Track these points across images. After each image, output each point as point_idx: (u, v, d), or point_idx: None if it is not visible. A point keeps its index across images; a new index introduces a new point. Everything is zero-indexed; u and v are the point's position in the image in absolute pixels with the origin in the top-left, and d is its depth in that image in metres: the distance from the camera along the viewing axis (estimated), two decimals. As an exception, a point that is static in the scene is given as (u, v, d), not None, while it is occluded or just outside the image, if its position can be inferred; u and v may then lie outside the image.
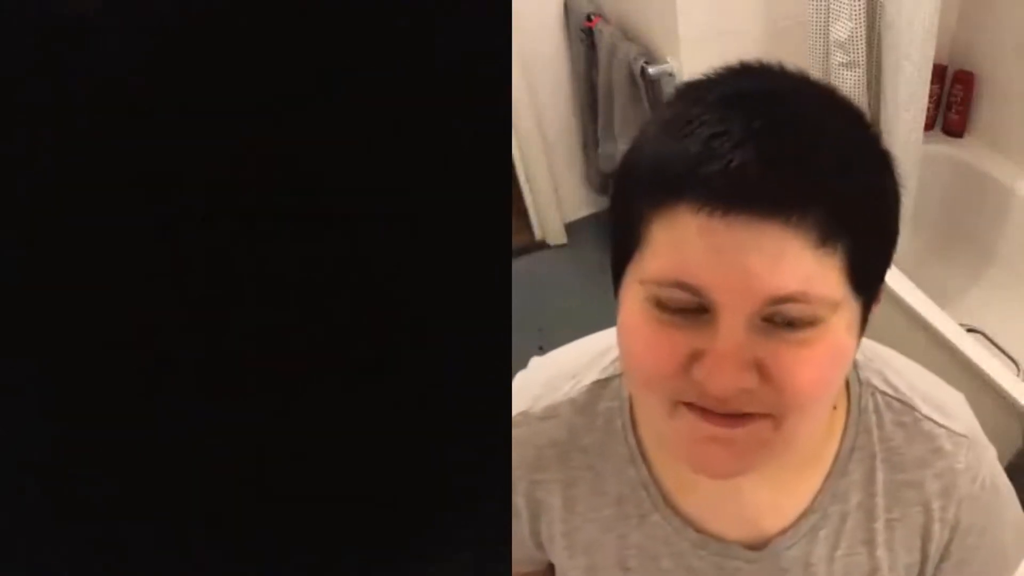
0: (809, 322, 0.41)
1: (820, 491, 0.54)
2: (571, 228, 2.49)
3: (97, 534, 0.52)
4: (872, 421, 0.55)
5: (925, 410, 0.55)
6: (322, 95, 0.50)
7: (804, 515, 0.55)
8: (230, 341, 0.52)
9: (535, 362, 0.64)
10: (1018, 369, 1.62)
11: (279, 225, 0.51)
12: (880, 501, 0.54)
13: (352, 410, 0.53)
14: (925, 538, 0.55)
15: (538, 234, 2.47)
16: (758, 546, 0.55)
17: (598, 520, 0.58)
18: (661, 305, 0.42)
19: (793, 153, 0.38)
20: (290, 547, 0.54)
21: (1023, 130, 1.77)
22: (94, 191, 0.49)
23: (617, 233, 0.47)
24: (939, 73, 1.85)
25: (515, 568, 0.69)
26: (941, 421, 0.55)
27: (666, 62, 1.76)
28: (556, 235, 2.46)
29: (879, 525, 0.55)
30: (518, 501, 0.60)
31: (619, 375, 0.58)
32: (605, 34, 1.90)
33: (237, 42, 0.49)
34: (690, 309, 0.41)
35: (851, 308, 0.43)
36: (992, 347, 1.62)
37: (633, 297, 0.44)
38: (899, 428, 0.54)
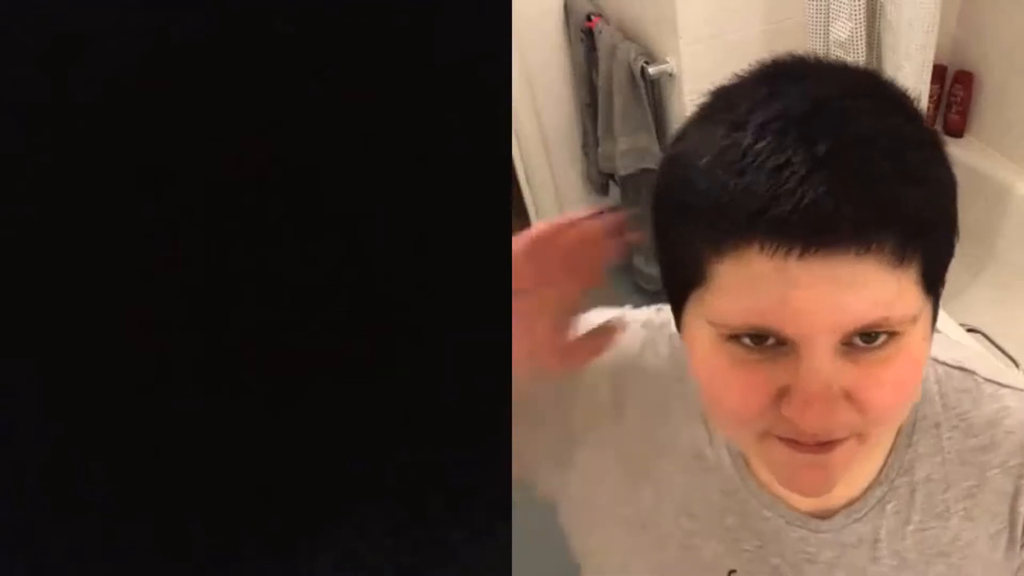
0: (889, 341, 0.40)
1: (886, 463, 0.54)
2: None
3: (96, 532, 0.52)
4: (934, 391, 0.54)
5: (985, 374, 0.55)
6: (322, 95, 0.50)
7: (871, 487, 0.54)
8: (229, 341, 0.52)
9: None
10: (1018, 369, 1.62)
11: (279, 225, 0.51)
12: (952, 470, 0.53)
13: (351, 410, 0.53)
14: (1015, 498, 0.53)
15: (538, 234, 2.46)
16: (825, 516, 0.55)
17: (675, 456, 0.57)
18: (737, 341, 0.41)
19: (862, 181, 0.37)
20: (288, 546, 0.54)
21: (1023, 130, 1.77)
22: (94, 191, 0.49)
23: (672, 265, 0.45)
24: (939, 73, 1.85)
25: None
26: (1002, 381, 0.55)
27: (666, 62, 1.75)
28: (556, 235, 2.45)
29: (953, 495, 0.53)
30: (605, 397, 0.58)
31: None
32: (605, 34, 1.90)
33: (237, 42, 0.49)
34: (770, 342, 0.41)
35: (926, 314, 0.42)
36: (992, 347, 1.62)
37: (704, 336, 0.43)
38: (963, 394, 0.54)
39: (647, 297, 2.17)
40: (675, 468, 0.57)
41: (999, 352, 1.62)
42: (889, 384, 0.41)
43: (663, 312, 0.59)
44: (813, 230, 0.37)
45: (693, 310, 0.44)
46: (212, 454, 0.52)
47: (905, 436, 0.54)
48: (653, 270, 2.10)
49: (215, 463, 0.52)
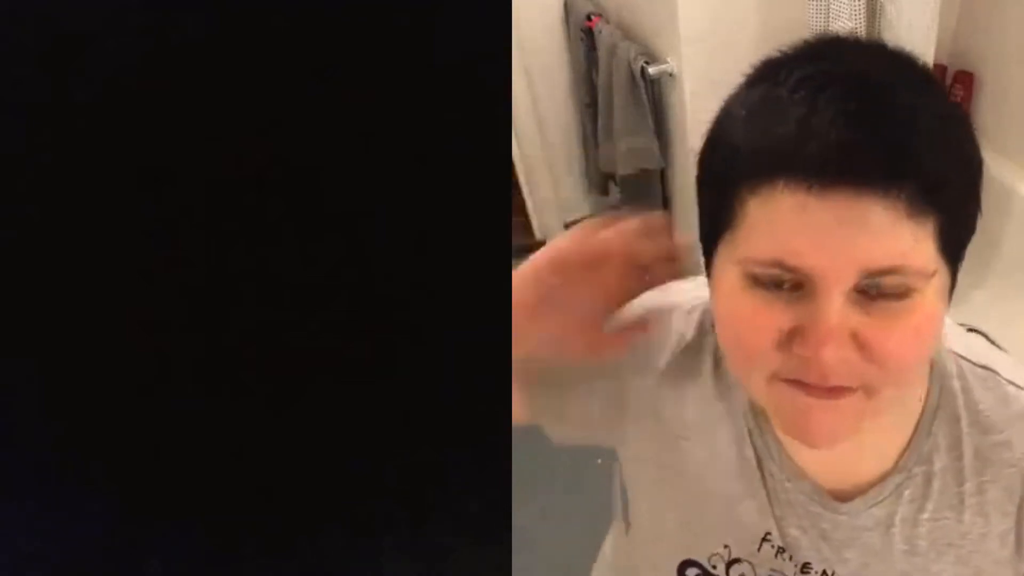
0: (904, 293, 0.42)
1: (905, 451, 0.55)
2: (571, 228, 2.49)
3: (96, 532, 0.52)
4: (956, 385, 0.56)
5: (1007, 375, 0.56)
6: (322, 95, 0.50)
7: (889, 473, 0.55)
8: (229, 341, 0.52)
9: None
10: (1018, 369, 1.61)
11: (279, 225, 0.51)
12: (968, 464, 0.55)
13: (351, 410, 0.53)
14: None
15: (538, 234, 2.47)
16: (843, 498, 0.56)
17: (727, 424, 0.59)
18: (757, 282, 0.44)
19: (888, 128, 0.40)
20: (288, 546, 0.54)
21: (1023, 130, 1.77)
22: (94, 191, 0.49)
23: (707, 212, 0.48)
24: (939, 73, 1.85)
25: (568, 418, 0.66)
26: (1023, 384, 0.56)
27: (666, 62, 1.75)
28: (556, 235, 2.46)
29: (968, 488, 0.55)
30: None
31: None
32: (605, 34, 1.90)
33: (237, 42, 0.49)
34: (786, 285, 0.43)
35: (942, 275, 0.44)
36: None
37: (728, 277, 0.46)
38: (985, 392, 0.55)
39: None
40: (726, 434, 0.59)
41: (999, 352, 1.62)
42: (900, 335, 0.43)
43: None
44: (835, 167, 0.39)
45: (722, 254, 0.46)
46: (212, 454, 0.52)
47: (925, 425, 0.55)
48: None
49: (215, 463, 0.52)
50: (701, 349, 0.60)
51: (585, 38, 2.03)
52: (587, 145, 2.31)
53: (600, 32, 1.93)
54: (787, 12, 1.65)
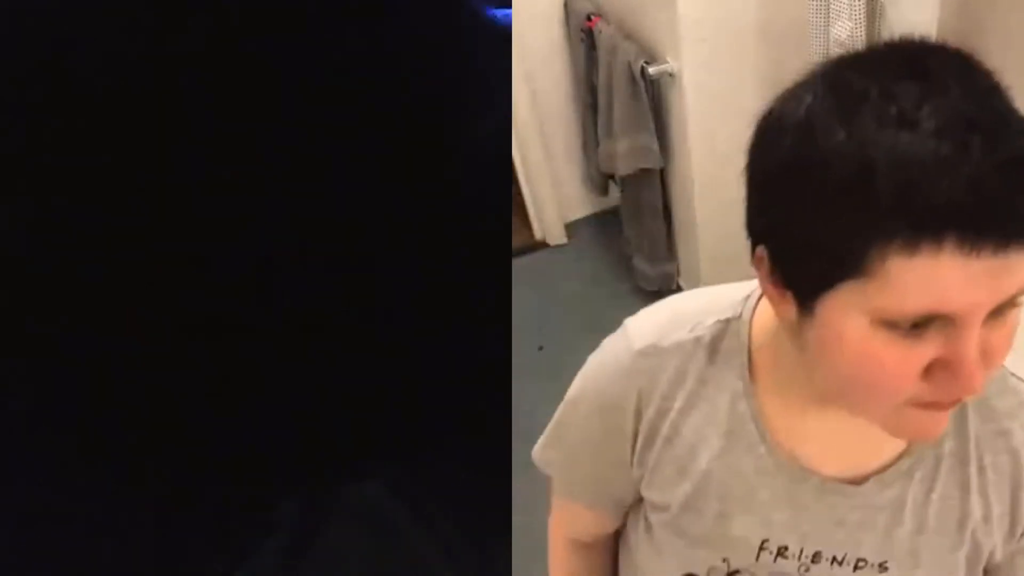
0: (1016, 304, 0.45)
1: None
2: (571, 228, 2.50)
3: (96, 532, 0.52)
4: None
5: (1011, 368, 0.59)
6: (321, 95, 0.50)
7: (901, 456, 0.58)
8: (229, 341, 0.52)
9: (657, 305, 0.67)
10: (1018, 369, 1.62)
11: (279, 225, 0.51)
12: (973, 447, 0.58)
13: (351, 411, 0.53)
14: (1015, 488, 0.59)
15: (538, 234, 2.47)
16: (856, 483, 0.59)
17: (707, 449, 0.61)
18: (894, 325, 0.44)
19: None
20: (293, 554, 0.54)
21: (1023, 130, 1.77)
22: (94, 191, 0.49)
23: (817, 254, 0.46)
24: (939, 73, 1.85)
25: (594, 515, 0.72)
26: None
27: (666, 62, 1.76)
28: (556, 235, 2.46)
29: (972, 469, 0.58)
30: (631, 426, 0.63)
31: (738, 317, 0.61)
32: (605, 34, 1.91)
33: (237, 43, 0.49)
34: (921, 324, 0.44)
35: None
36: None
37: (857, 325, 0.45)
38: (991, 382, 0.58)
39: (646, 297, 2.16)
40: (711, 459, 0.61)
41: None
42: (1007, 338, 0.46)
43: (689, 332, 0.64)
44: (1000, 228, 0.40)
45: (844, 300, 0.45)
46: (212, 454, 0.52)
47: None
48: (653, 270, 2.10)
49: (215, 463, 0.53)
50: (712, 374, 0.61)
51: (585, 38, 2.03)
52: (587, 145, 2.31)
53: (600, 32, 1.93)
54: (787, 12, 1.65)
